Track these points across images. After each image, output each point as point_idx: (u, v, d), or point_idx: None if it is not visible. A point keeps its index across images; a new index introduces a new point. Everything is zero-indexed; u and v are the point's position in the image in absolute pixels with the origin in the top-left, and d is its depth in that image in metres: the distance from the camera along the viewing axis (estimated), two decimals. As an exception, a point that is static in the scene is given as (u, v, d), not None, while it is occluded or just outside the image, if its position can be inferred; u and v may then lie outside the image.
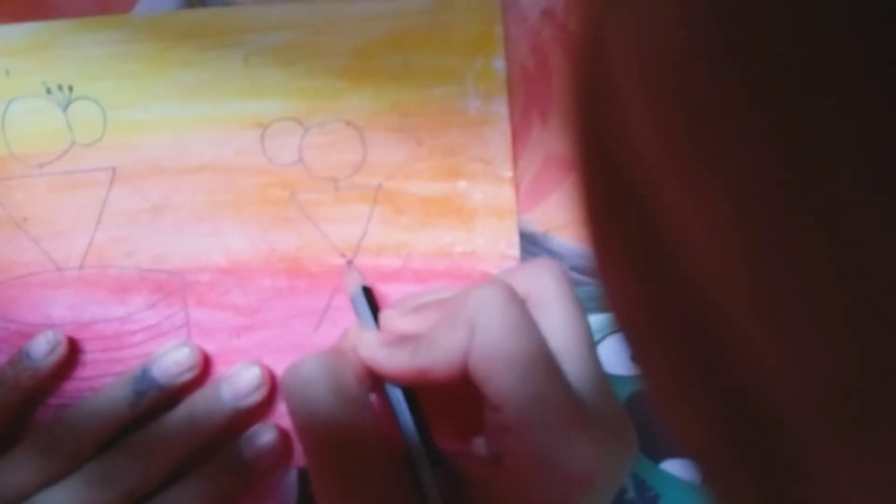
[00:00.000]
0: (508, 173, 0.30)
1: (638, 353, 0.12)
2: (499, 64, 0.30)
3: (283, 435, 0.30)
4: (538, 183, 0.31)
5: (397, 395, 0.26)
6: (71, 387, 0.30)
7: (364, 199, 0.30)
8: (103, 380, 0.30)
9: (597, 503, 0.23)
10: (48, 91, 0.30)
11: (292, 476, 0.31)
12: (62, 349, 0.29)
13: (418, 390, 0.26)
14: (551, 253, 0.31)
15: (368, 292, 0.28)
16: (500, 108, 0.30)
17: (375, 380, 0.26)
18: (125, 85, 0.30)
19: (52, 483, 0.28)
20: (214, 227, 0.30)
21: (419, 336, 0.25)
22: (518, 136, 0.30)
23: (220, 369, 0.30)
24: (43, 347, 0.29)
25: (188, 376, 0.29)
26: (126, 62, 0.30)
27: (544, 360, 0.23)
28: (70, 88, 0.30)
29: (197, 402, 0.29)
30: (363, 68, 0.30)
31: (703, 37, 0.09)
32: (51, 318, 0.30)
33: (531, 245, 0.31)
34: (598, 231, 0.12)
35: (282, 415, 0.30)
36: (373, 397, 0.26)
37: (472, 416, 0.25)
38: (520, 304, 0.23)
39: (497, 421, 0.23)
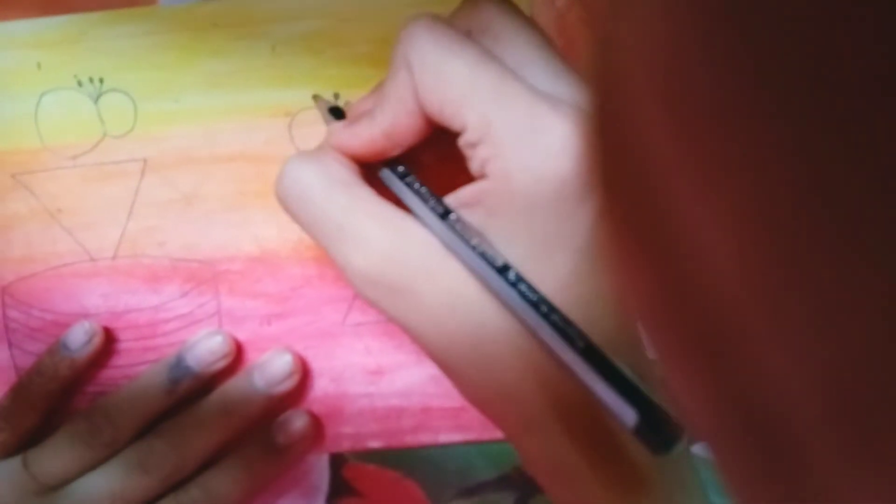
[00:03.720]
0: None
1: (654, 345, 0.12)
2: (525, 48, 0.30)
3: (315, 421, 0.30)
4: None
5: (390, 174, 0.24)
6: (107, 375, 0.31)
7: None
8: (138, 368, 0.31)
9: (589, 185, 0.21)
10: (79, 83, 0.30)
11: (324, 461, 0.31)
12: (99, 339, 0.30)
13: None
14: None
15: (340, 113, 0.27)
16: (528, 93, 0.30)
17: (369, 177, 0.25)
18: (154, 76, 0.30)
19: (91, 469, 0.29)
20: (244, 217, 0.30)
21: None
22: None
23: (251, 356, 0.31)
24: (80, 337, 0.29)
25: (222, 364, 0.30)
26: (155, 53, 0.30)
27: (486, 61, 0.22)
28: (101, 80, 0.30)
29: (230, 390, 0.30)
30: (389, 55, 0.30)
31: (711, 42, 0.09)
32: (85, 308, 0.31)
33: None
34: (616, 228, 0.12)
35: (313, 401, 0.31)
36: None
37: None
38: (446, 24, 0.22)
39: (468, 140, 0.22)
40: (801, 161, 0.08)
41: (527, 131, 0.21)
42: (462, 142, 0.22)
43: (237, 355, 0.30)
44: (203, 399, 0.30)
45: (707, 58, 0.09)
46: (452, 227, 0.22)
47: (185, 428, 0.29)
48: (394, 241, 0.22)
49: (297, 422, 0.30)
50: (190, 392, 0.30)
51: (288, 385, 0.30)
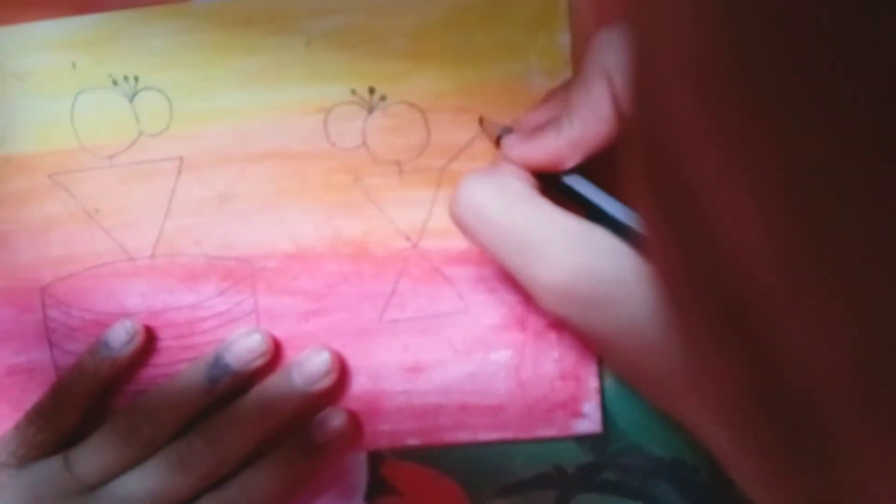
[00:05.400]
0: (574, 151, 0.30)
1: (681, 322, 0.13)
2: (563, 38, 0.29)
3: (353, 418, 0.30)
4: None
5: (579, 179, 0.24)
6: (146, 373, 0.31)
7: (428, 181, 0.30)
8: (177, 366, 0.31)
9: None
10: (114, 83, 0.30)
11: (362, 459, 0.31)
12: (140, 338, 0.30)
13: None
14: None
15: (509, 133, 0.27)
16: (566, 85, 0.29)
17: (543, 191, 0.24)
18: (189, 74, 0.30)
19: (131, 468, 0.29)
20: (280, 214, 0.30)
21: (556, 117, 0.24)
22: (585, 113, 0.30)
23: (288, 354, 0.30)
24: (122, 336, 0.30)
25: (260, 362, 0.30)
26: (189, 51, 0.30)
27: None
28: (136, 79, 0.30)
29: (269, 388, 0.29)
30: (424, 49, 0.30)
31: (739, 32, 0.09)
32: (124, 307, 0.31)
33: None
34: (650, 212, 0.13)
35: (351, 398, 0.30)
36: None
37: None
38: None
39: None
40: (824, 145, 0.08)
41: None
42: None
43: (275, 353, 0.30)
44: (241, 397, 0.30)
45: (734, 47, 0.09)
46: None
47: (224, 426, 0.29)
48: (583, 253, 0.22)
49: (336, 420, 0.30)
50: (228, 390, 0.30)
51: (326, 383, 0.29)
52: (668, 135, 0.11)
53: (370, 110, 0.30)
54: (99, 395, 0.30)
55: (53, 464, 0.29)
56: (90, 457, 0.29)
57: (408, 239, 0.30)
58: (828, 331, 0.09)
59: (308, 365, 0.29)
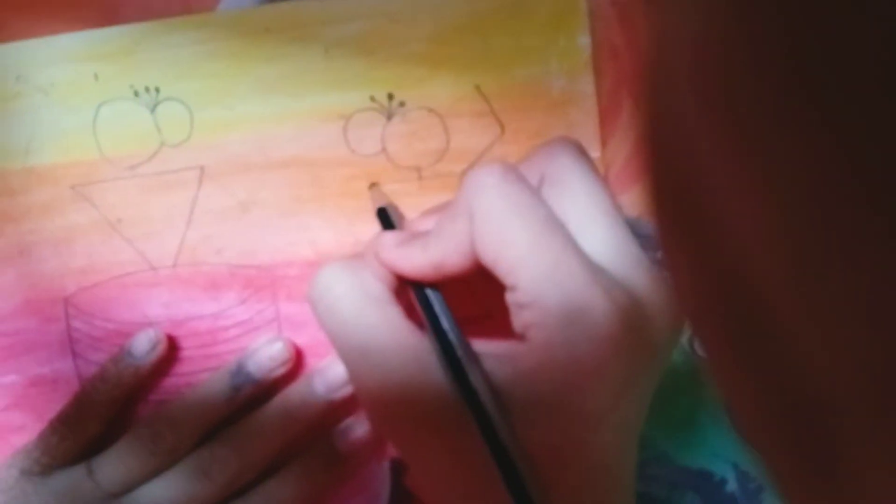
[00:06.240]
0: (595, 153, 0.29)
1: (699, 336, 0.13)
2: (583, 40, 0.29)
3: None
4: (630, 165, 0.30)
5: (428, 295, 0.24)
6: (168, 383, 0.31)
7: (448, 186, 0.30)
8: (199, 375, 0.31)
9: (629, 376, 0.22)
10: (136, 94, 0.31)
11: (385, 468, 0.31)
12: (162, 347, 0.30)
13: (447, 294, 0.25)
14: (646, 238, 0.30)
15: (393, 210, 0.27)
16: (586, 87, 0.29)
17: (401, 287, 0.25)
18: (209, 84, 0.30)
19: (154, 476, 0.29)
20: (300, 221, 0.30)
21: (429, 231, 0.24)
22: (607, 118, 0.29)
23: (310, 362, 0.30)
24: (145, 345, 0.30)
25: (282, 370, 0.30)
26: (209, 61, 0.30)
27: (550, 230, 0.22)
28: (157, 90, 0.30)
29: (291, 396, 0.29)
30: (443, 54, 0.29)
31: (751, 42, 0.09)
32: (147, 317, 0.31)
33: (620, 228, 0.30)
34: (662, 222, 0.13)
35: (373, 407, 0.30)
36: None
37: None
38: (516, 180, 0.22)
39: (516, 299, 0.22)
40: (838, 155, 0.08)
41: (576, 312, 0.21)
42: (510, 297, 0.22)
43: (297, 361, 0.30)
44: (264, 406, 0.29)
45: (746, 58, 0.09)
46: (460, 376, 0.22)
47: (247, 434, 0.29)
48: (413, 377, 0.23)
49: (359, 430, 0.29)
50: (251, 399, 0.30)
51: (348, 390, 0.29)
52: (678, 144, 0.11)
53: (389, 116, 0.30)
54: (122, 404, 0.30)
55: (76, 472, 0.29)
56: (113, 465, 0.29)
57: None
58: (841, 342, 0.09)
59: (330, 373, 0.29)
